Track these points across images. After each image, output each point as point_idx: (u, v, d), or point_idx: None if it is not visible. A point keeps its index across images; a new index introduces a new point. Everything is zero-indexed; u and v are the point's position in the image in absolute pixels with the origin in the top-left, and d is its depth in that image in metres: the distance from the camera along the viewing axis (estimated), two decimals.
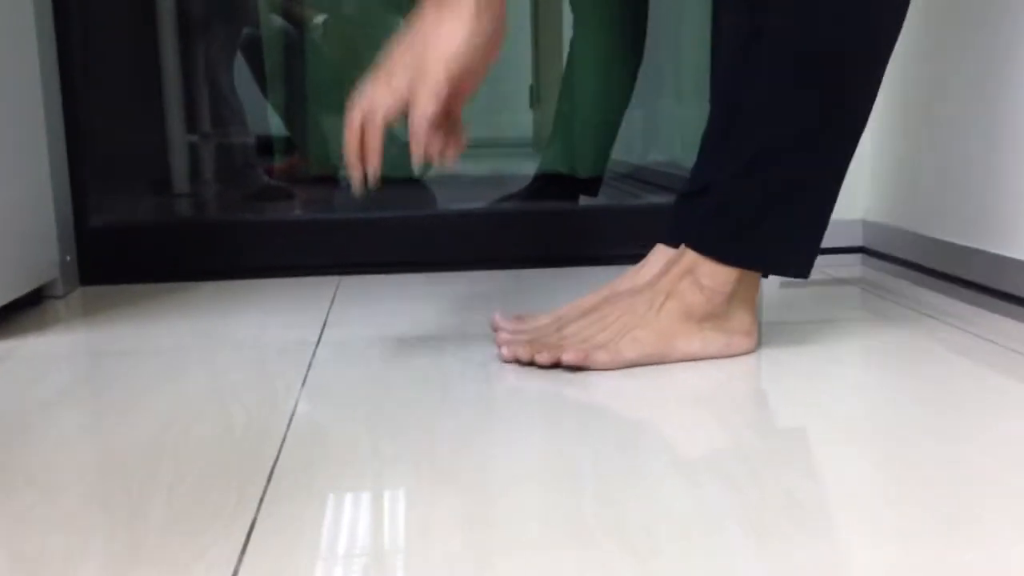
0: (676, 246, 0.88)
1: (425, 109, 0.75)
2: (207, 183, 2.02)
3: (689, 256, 0.84)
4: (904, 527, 0.52)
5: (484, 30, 0.74)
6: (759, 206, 0.83)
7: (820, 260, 1.29)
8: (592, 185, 1.76)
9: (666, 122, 2.01)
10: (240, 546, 0.51)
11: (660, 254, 0.93)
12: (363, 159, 0.79)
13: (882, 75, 0.83)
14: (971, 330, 0.94)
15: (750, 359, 0.86)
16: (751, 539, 0.51)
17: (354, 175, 0.80)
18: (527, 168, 1.80)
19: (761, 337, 0.90)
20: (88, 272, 1.24)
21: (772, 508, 0.55)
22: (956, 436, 0.66)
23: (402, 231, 1.32)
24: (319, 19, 2.09)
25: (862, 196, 1.32)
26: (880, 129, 1.29)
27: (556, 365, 0.81)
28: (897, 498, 0.57)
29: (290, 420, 0.71)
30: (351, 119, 0.80)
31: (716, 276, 0.83)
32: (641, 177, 2.05)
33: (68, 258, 1.20)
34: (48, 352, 0.93)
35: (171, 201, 1.86)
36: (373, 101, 0.78)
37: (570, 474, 0.60)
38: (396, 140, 2.34)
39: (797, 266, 0.86)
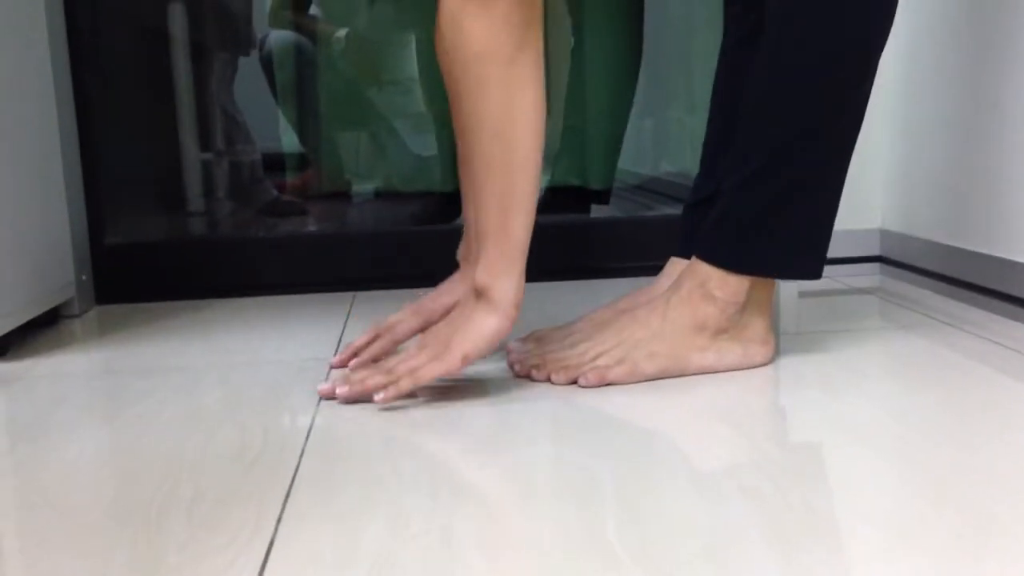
0: (688, 257, 0.88)
1: (428, 376, 0.77)
2: (220, 200, 2.03)
3: (700, 267, 0.84)
4: (925, 541, 0.52)
5: (507, 330, 0.78)
6: (764, 212, 0.83)
7: (838, 270, 1.29)
8: (603, 195, 1.76)
9: (677, 133, 2.00)
10: (260, 564, 0.51)
11: (673, 267, 0.93)
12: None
13: (876, 70, 0.83)
14: (989, 337, 0.93)
15: (768, 370, 0.85)
16: (775, 555, 0.50)
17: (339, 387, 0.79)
18: (543, 182, 1.79)
19: (779, 347, 0.90)
20: (104, 291, 1.25)
21: (795, 523, 0.54)
22: (976, 446, 0.66)
23: (416, 245, 1.32)
24: (340, 33, 2.10)
25: (879, 205, 1.31)
26: (896, 137, 1.28)
27: (572, 384, 0.81)
28: (918, 511, 0.56)
29: (307, 437, 0.71)
30: (369, 331, 0.89)
31: (727, 286, 0.83)
32: (653, 188, 2.04)
33: (84, 277, 1.20)
34: (65, 371, 0.93)
35: (185, 219, 1.87)
36: (397, 322, 0.87)
37: (591, 491, 0.60)
38: (409, 152, 2.33)
39: (807, 268, 0.85)
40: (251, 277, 1.28)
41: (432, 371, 0.77)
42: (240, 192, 2.03)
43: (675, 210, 1.77)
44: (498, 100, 0.75)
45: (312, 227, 1.83)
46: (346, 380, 0.79)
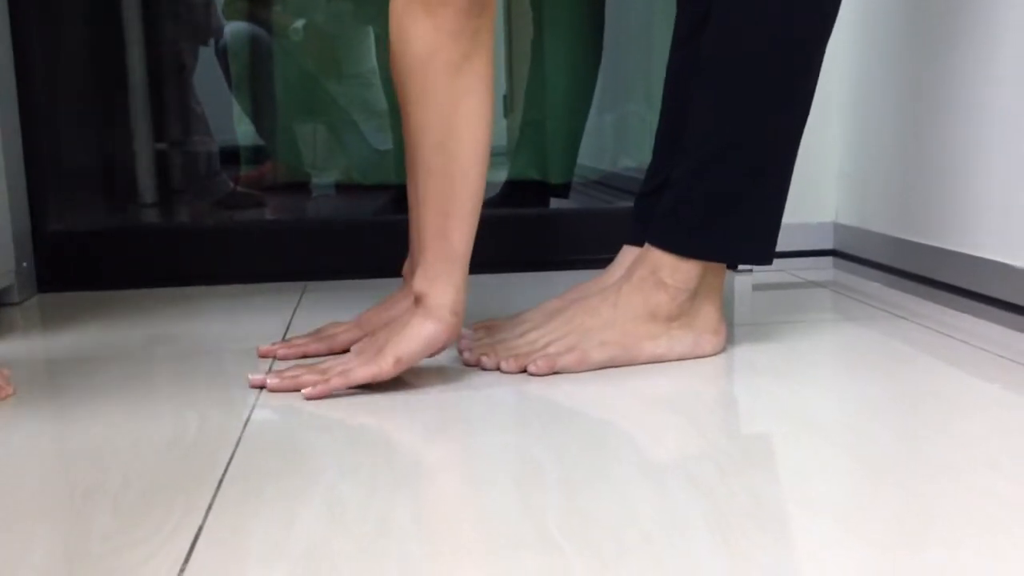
0: (640, 245, 0.87)
1: (359, 378, 0.75)
2: (174, 192, 1.99)
3: (651, 255, 0.83)
4: (870, 531, 0.51)
5: (445, 339, 0.76)
6: (715, 198, 0.82)
7: (792, 263, 1.29)
8: (562, 189, 1.75)
9: (636, 128, 2.00)
10: (184, 555, 0.49)
11: (626, 256, 0.92)
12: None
13: (821, 60, 0.83)
14: (941, 330, 0.94)
15: (719, 359, 0.84)
16: (717, 544, 0.49)
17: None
18: (502, 176, 1.78)
19: (731, 336, 0.89)
20: (46, 278, 1.21)
21: (739, 512, 0.53)
22: (924, 437, 0.65)
23: (368, 236, 1.29)
24: (297, 24, 2.07)
25: (832, 199, 1.31)
26: (849, 132, 1.28)
27: (522, 372, 0.80)
28: (864, 501, 0.55)
29: (244, 426, 0.69)
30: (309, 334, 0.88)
31: (678, 273, 0.82)
32: (612, 183, 2.04)
33: (25, 264, 1.17)
34: (1, 359, 0.90)
35: (138, 210, 1.83)
36: (338, 331, 0.87)
37: (534, 478, 0.58)
38: (368, 146, 2.30)
39: (758, 254, 0.85)
40: (199, 266, 1.25)
41: (363, 373, 0.75)
42: (196, 184, 2.00)
43: (631, 203, 1.77)
44: (441, 108, 0.73)
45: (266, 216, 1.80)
46: (278, 373, 0.77)
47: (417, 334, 0.75)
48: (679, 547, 0.49)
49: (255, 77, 2.11)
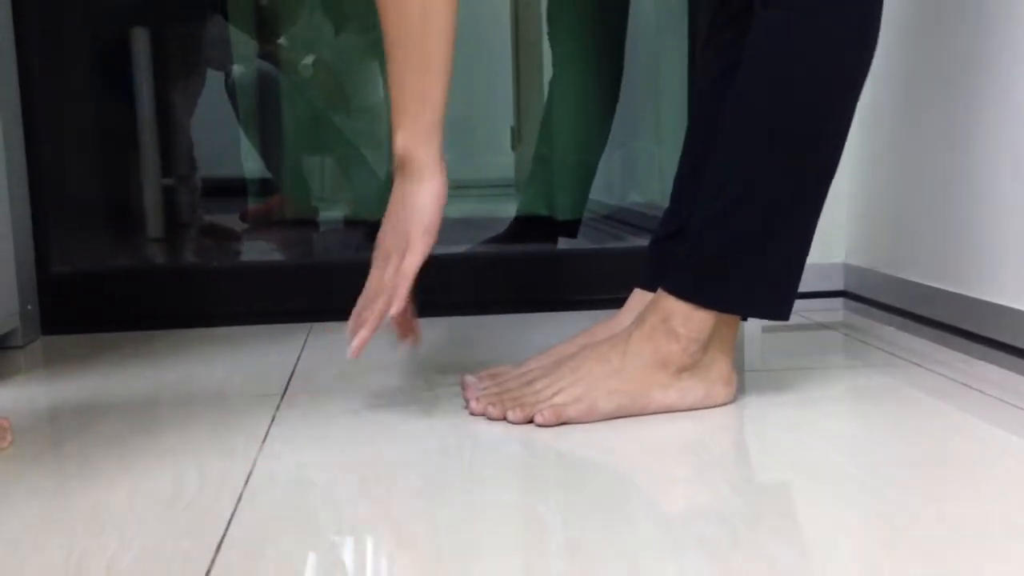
0: (653, 290, 0.85)
1: (411, 271, 0.80)
2: (179, 226, 1.98)
3: (664, 302, 0.82)
4: None
5: (443, 191, 0.79)
6: (734, 249, 0.81)
7: (801, 304, 1.27)
8: (571, 227, 1.74)
9: (645, 163, 1.99)
10: None
11: (636, 300, 0.91)
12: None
13: (852, 115, 0.81)
14: (955, 377, 0.92)
15: (730, 410, 0.83)
16: None
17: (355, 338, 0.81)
18: (508, 210, 1.78)
19: (741, 384, 0.87)
20: (50, 320, 1.21)
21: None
22: (941, 494, 0.63)
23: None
24: (307, 60, 2.08)
25: (843, 240, 1.30)
26: (860, 172, 1.27)
27: (528, 422, 0.78)
28: (879, 564, 0.54)
29: (246, 482, 0.67)
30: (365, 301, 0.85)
31: (691, 323, 0.81)
32: (621, 218, 2.03)
33: (29, 307, 1.16)
34: (2, 407, 0.89)
35: (144, 245, 1.82)
36: (379, 285, 0.82)
37: (542, 539, 0.57)
38: (376, 180, 2.30)
39: (775, 308, 0.83)
40: (203, 307, 1.24)
41: (409, 266, 0.78)
42: (176, 218, 1.98)
43: (643, 241, 1.76)
44: None
45: (275, 254, 1.80)
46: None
47: (421, 201, 0.79)
48: None
49: (263, 112, 2.11)
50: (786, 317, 0.83)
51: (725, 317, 0.81)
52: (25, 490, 0.67)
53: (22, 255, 1.14)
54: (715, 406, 0.83)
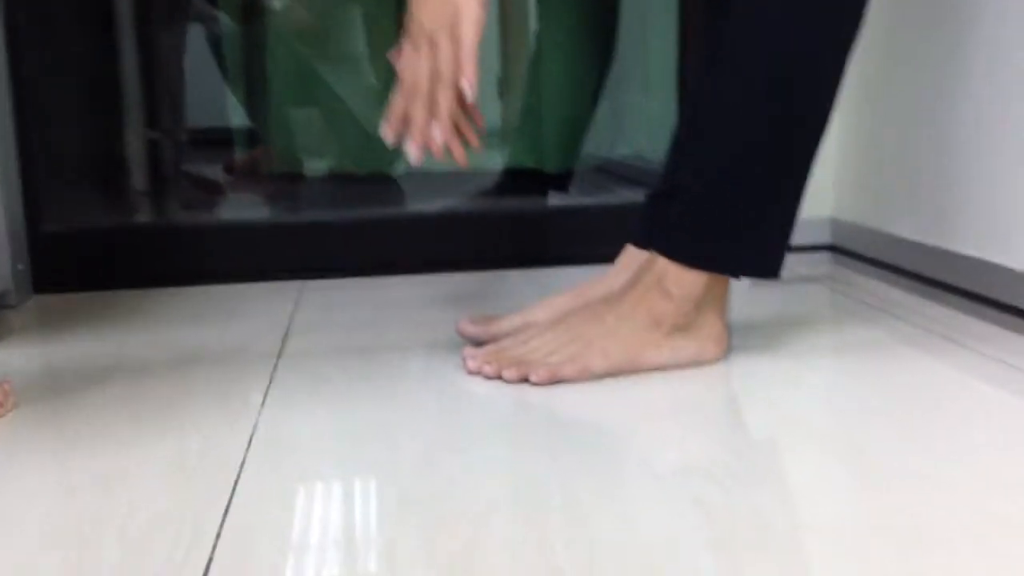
0: (645, 247, 0.87)
1: (473, 36, 0.76)
2: (166, 180, 1.97)
3: (657, 263, 0.83)
4: (871, 551, 0.51)
5: None
6: (728, 210, 0.82)
7: (789, 258, 1.28)
8: (562, 181, 1.74)
9: (633, 115, 1.99)
10: None
11: (630, 257, 0.91)
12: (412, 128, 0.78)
13: (844, 73, 0.82)
14: (941, 332, 0.94)
15: (720, 367, 0.85)
16: (722, 567, 0.50)
17: (409, 144, 0.79)
18: (496, 159, 1.77)
19: (730, 339, 0.89)
20: (42, 279, 1.21)
21: (744, 533, 0.53)
22: (926, 449, 0.66)
23: (367, 234, 1.29)
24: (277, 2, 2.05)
25: (830, 195, 1.31)
26: (850, 124, 1.28)
27: (524, 381, 0.80)
28: (869, 520, 0.56)
29: (249, 443, 0.69)
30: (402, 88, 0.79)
31: (684, 283, 0.82)
32: (609, 169, 2.03)
33: (20, 267, 1.16)
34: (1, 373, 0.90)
35: (132, 199, 1.81)
36: (423, 71, 0.78)
37: (538, 496, 0.59)
38: (363, 131, 2.28)
39: (766, 267, 0.85)
40: (196, 264, 1.25)
41: (468, 34, 0.76)
42: (163, 173, 1.97)
43: (634, 195, 1.76)
44: None
45: (264, 210, 1.79)
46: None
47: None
48: (685, 572, 0.49)
49: (248, 63, 2.09)
50: (777, 275, 0.85)
51: (717, 277, 0.83)
52: (28, 454, 0.68)
53: (12, 214, 1.14)
54: (706, 363, 0.84)
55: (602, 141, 2.04)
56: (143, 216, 1.68)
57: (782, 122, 0.81)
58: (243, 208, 1.83)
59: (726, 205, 0.82)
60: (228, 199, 1.90)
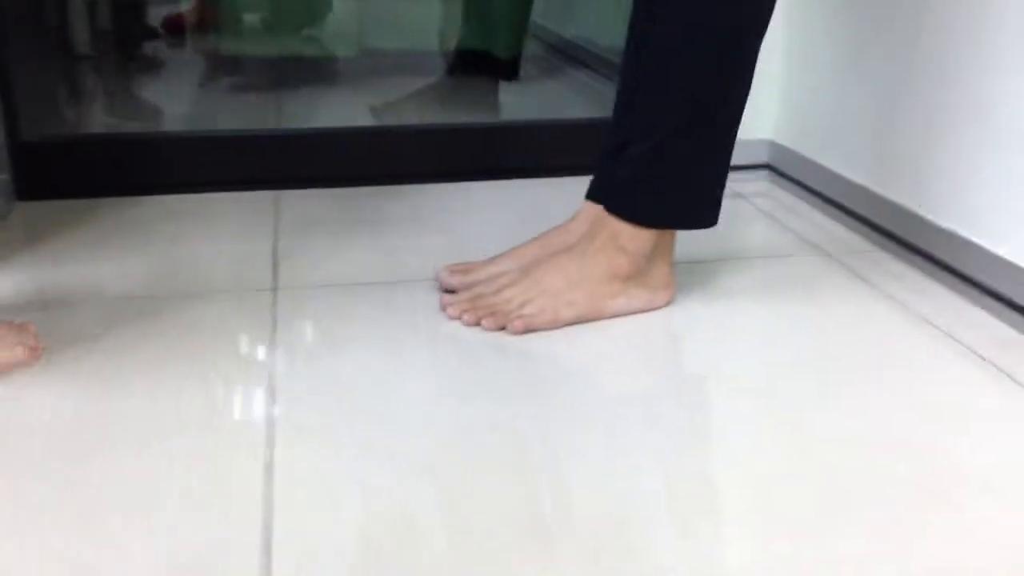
0: (600, 202, 0.96)
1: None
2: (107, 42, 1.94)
3: (612, 222, 0.94)
4: (791, 517, 0.66)
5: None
6: (672, 172, 0.92)
7: (730, 176, 1.38)
8: (510, 69, 1.78)
9: None
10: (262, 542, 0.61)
11: (587, 211, 1.01)
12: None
13: (773, 6, 0.89)
14: (860, 271, 1.07)
15: (667, 312, 0.97)
16: (674, 533, 0.63)
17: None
18: (445, 44, 1.81)
19: (676, 280, 1.00)
20: (25, 188, 1.25)
21: (690, 497, 0.67)
22: (851, 406, 0.79)
23: (347, 145, 1.35)
24: None
25: (771, 117, 1.40)
26: (794, 50, 1.34)
27: (500, 329, 0.91)
28: (789, 480, 0.70)
29: (274, 396, 0.79)
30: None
31: (637, 239, 0.93)
32: (561, 48, 2.07)
33: (3, 176, 1.20)
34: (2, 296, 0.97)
35: (73, 64, 1.80)
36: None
37: (524, 451, 0.71)
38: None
39: (709, 218, 0.97)
40: (175, 174, 1.30)
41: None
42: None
43: (583, 76, 1.81)
44: None
45: (236, 118, 1.80)
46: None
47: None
48: (642, 537, 0.63)
49: None
50: (715, 223, 0.96)
51: (665, 231, 0.94)
52: (61, 402, 0.78)
53: None
54: (656, 308, 0.97)
55: (555, 20, 2.07)
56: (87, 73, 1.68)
57: (718, 84, 0.89)
58: (223, 123, 1.84)
59: (671, 168, 0.92)
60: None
